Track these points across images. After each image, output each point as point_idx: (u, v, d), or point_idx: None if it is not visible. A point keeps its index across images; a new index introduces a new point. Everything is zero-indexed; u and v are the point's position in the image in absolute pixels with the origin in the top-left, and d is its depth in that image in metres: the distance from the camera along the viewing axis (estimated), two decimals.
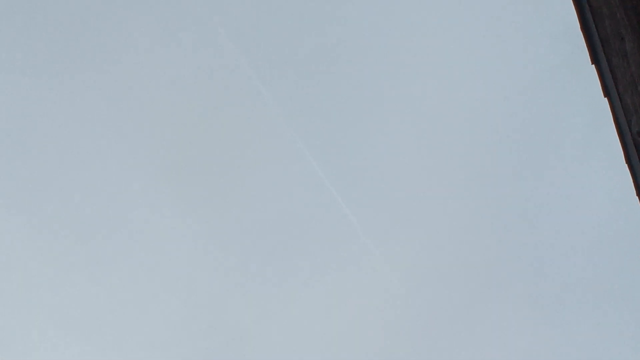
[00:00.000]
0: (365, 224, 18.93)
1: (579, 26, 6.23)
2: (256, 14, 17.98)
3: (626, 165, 6.61)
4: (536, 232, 18.84)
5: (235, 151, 18.89)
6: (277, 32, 18.16)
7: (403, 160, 18.81)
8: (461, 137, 18.73)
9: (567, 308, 18.48)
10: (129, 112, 18.36)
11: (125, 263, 18.64)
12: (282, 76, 18.39)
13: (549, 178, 18.63)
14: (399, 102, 18.62)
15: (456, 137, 18.72)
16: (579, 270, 18.59)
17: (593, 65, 6.39)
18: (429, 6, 18.01)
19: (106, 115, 18.24)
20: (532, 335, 18.54)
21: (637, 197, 6.79)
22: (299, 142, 18.59)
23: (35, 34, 17.65)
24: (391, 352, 18.87)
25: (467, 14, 18.07)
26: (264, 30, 18.12)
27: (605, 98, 6.44)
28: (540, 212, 18.77)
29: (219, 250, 19.10)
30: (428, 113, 18.71)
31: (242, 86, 18.51)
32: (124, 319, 18.65)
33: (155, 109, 18.46)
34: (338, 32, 18.18)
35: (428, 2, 17.97)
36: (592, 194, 18.30)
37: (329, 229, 19.09)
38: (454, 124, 18.73)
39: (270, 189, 18.87)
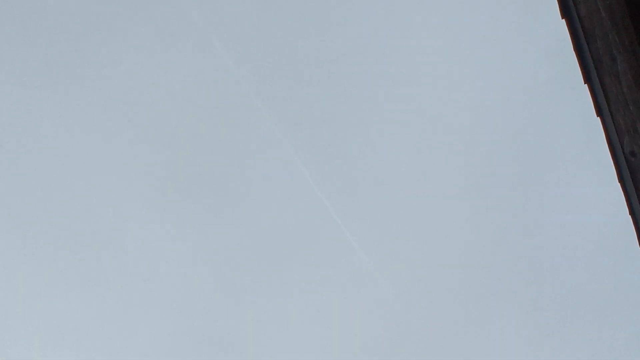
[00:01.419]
0: (360, 235, 18.94)
1: (572, 46, 6.29)
2: (249, 21, 18.06)
3: (619, 184, 6.66)
4: (528, 251, 18.86)
5: (228, 161, 18.91)
6: (270, 39, 18.23)
7: (397, 171, 18.85)
8: (453, 154, 18.78)
9: (560, 326, 18.48)
10: (119, 122, 18.38)
11: (116, 272, 18.59)
12: (277, 84, 18.46)
13: (541, 196, 18.68)
14: (394, 112, 18.68)
15: (449, 154, 18.77)
16: (570, 290, 18.61)
17: (586, 85, 6.45)
18: (422, 23, 18.10)
19: (96, 126, 18.24)
20: (529, 348, 18.53)
21: (629, 216, 6.84)
22: (293, 152, 18.63)
23: (21, 42, 17.66)
24: None
25: (458, 33, 18.18)
26: (258, 37, 18.19)
27: (598, 117, 6.50)
28: (532, 230, 18.80)
29: (212, 260, 19.08)
30: (422, 127, 18.76)
31: (236, 95, 18.56)
32: (116, 330, 18.58)
33: (146, 119, 18.48)
34: (333, 38, 18.26)
35: (421, 18, 18.06)
36: (585, 213, 18.36)
37: (322, 240, 19.09)
38: (445, 141, 18.78)
39: (263, 200, 18.88)
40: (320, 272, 19.09)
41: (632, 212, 6.64)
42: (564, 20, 6.25)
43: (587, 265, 18.44)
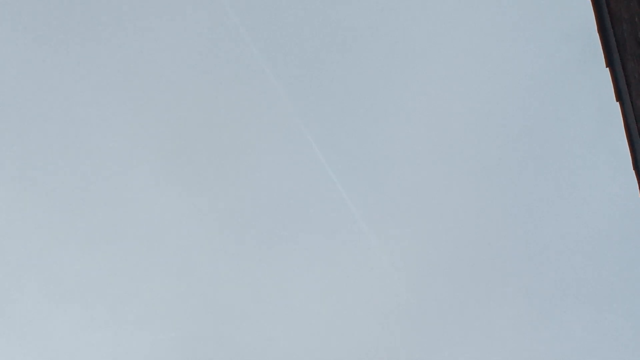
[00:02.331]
0: (365, 212, 18.89)
1: (596, 28, 6.15)
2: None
3: (633, 171, 6.55)
4: (540, 233, 18.76)
5: (237, 133, 18.84)
6: (287, 15, 18.05)
7: (407, 152, 18.74)
8: (469, 133, 18.63)
9: (565, 309, 18.45)
10: (131, 92, 18.31)
11: (121, 240, 18.65)
12: (289, 59, 18.29)
13: (555, 178, 18.54)
14: (407, 93, 18.52)
15: (464, 133, 18.63)
16: (580, 272, 18.54)
17: (607, 69, 6.31)
18: (445, 3, 17.89)
19: (108, 94, 18.19)
20: (529, 334, 18.52)
21: None
22: (302, 126, 18.53)
23: (34, 10, 17.56)
24: (385, 342, 18.87)
25: (484, 14, 17.95)
26: (274, 12, 18.01)
27: (617, 102, 6.38)
28: (544, 212, 18.69)
29: (216, 230, 19.09)
30: (437, 108, 18.60)
31: (248, 67, 18.42)
32: (118, 294, 18.68)
33: (158, 89, 18.40)
34: (350, 21, 18.06)
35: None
36: (598, 198, 18.22)
37: (328, 215, 19.06)
38: (462, 120, 18.62)
39: (271, 173, 18.83)
40: (322, 243, 19.09)
41: None
42: (590, 0, 6.10)
43: (598, 251, 18.34)
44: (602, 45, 6.24)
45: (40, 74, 17.98)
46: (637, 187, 6.72)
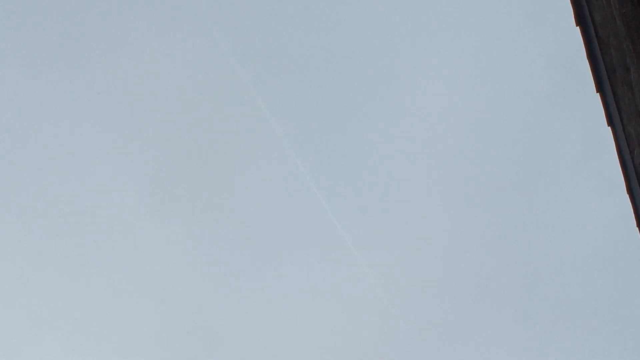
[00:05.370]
0: (353, 232, 18.88)
1: (586, 54, 6.23)
2: (250, 14, 17.99)
3: (627, 195, 6.59)
4: (533, 259, 18.79)
5: (223, 154, 18.86)
6: (270, 34, 18.16)
7: (394, 168, 18.79)
8: (460, 158, 18.71)
9: (558, 333, 18.43)
10: (118, 114, 18.34)
11: (110, 264, 18.57)
12: (274, 79, 18.38)
13: (548, 204, 18.61)
14: (391, 109, 18.60)
15: (455, 158, 18.70)
16: (573, 298, 18.55)
17: (598, 94, 6.39)
18: (433, 18, 18.04)
19: (95, 116, 18.21)
20: (522, 354, 18.47)
21: (637, 228, 6.77)
22: (289, 146, 18.56)
23: (20, 31, 17.61)
24: None
25: (469, 38, 18.11)
26: (257, 30, 18.12)
27: (609, 127, 6.44)
28: (537, 238, 18.74)
29: (204, 252, 19.05)
30: (426, 132, 18.69)
31: (233, 88, 18.50)
32: (107, 320, 18.57)
33: (143, 110, 18.43)
34: (333, 35, 18.18)
35: (431, 13, 17.99)
36: (592, 223, 18.28)
37: (315, 236, 19.04)
38: (452, 146, 18.71)
39: (258, 194, 18.83)
40: (313, 269, 19.02)
41: None
42: (578, 27, 6.19)
43: (591, 276, 18.34)
44: (591, 71, 6.32)
45: (25, 99, 17.98)
46: (632, 210, 6.76)
